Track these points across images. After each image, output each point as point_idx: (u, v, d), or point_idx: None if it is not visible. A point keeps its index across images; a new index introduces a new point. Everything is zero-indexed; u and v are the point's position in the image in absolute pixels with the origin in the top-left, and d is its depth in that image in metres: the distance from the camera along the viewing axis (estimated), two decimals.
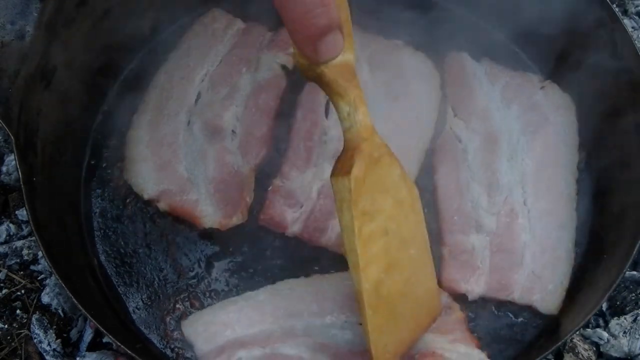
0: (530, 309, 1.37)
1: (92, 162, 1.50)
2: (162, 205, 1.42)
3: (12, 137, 1.24)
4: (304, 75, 1.13)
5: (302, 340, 1.28)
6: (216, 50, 1.58)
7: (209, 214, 1.41)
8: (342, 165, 1.12)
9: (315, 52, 1.07)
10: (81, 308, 1.16)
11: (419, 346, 1.25)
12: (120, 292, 1.38)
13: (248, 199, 1.43)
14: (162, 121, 1.50)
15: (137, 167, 1.46)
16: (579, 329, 1.31)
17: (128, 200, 1.45)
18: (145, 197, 1.43)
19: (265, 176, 1.46)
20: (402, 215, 1.17)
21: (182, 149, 1.47)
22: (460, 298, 1.35)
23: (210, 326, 1.30)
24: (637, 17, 1.89)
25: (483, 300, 1.37)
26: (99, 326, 1.17)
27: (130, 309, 1.36)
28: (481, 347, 1.29)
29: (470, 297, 1.36)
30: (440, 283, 1.36)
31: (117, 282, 1.39)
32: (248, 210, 1.43)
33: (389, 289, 1.14)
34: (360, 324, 1.24)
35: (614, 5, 1.72)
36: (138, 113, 1.52)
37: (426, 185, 1.47)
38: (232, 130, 1.50)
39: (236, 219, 1.40)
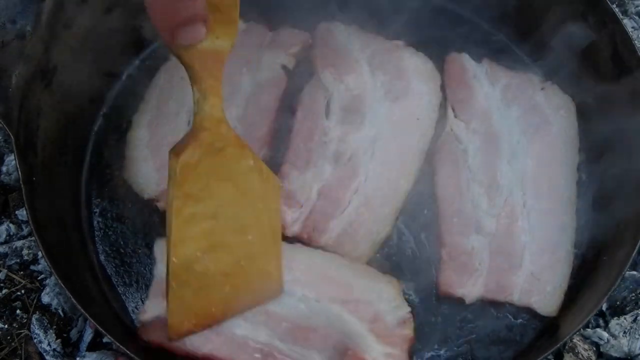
0: (529, 311, 1.37)
1: (92, 162, 1.50)
2: (162, 205, 1.42)
3: (12, 137, 1.24)
4: (166, 47, 1.12)
5: None
6: None
7: None
8: (179, 147, 1.15)
9: (171, 37, 1.04)
10: (80, 308, 1.17)
11: (355, 347, 1.26)
12: (120, 291, 1.38)
13: None
14: (162, 121, 1.49)
15: (137, 166, 1.46)
16: (577, 331, 1.31)
17: (128, 200, 1.45)
18: (146, 196, 1.44)
19: None
20: (245, 203, 1.22)
21: None
22: (459, 300, 1.36)
23: None
24: (637, 17, 1.89)
25: (482, 302, 1.37)
26: (98, 326, 1.17)
27: (130, 309, 1.36)
28: None
29: (468, 301, 1.36)
30: (437, 287, 1.36)
31: (116, 281, 1.39)
32: None
33: (207, 267, 1.20)
34: (317, 302, 1.30)
35: (614, 5, 1.72)
36: (138, 113, 1.52)
37: (426, 186, 1.47)
38: None
39: None
